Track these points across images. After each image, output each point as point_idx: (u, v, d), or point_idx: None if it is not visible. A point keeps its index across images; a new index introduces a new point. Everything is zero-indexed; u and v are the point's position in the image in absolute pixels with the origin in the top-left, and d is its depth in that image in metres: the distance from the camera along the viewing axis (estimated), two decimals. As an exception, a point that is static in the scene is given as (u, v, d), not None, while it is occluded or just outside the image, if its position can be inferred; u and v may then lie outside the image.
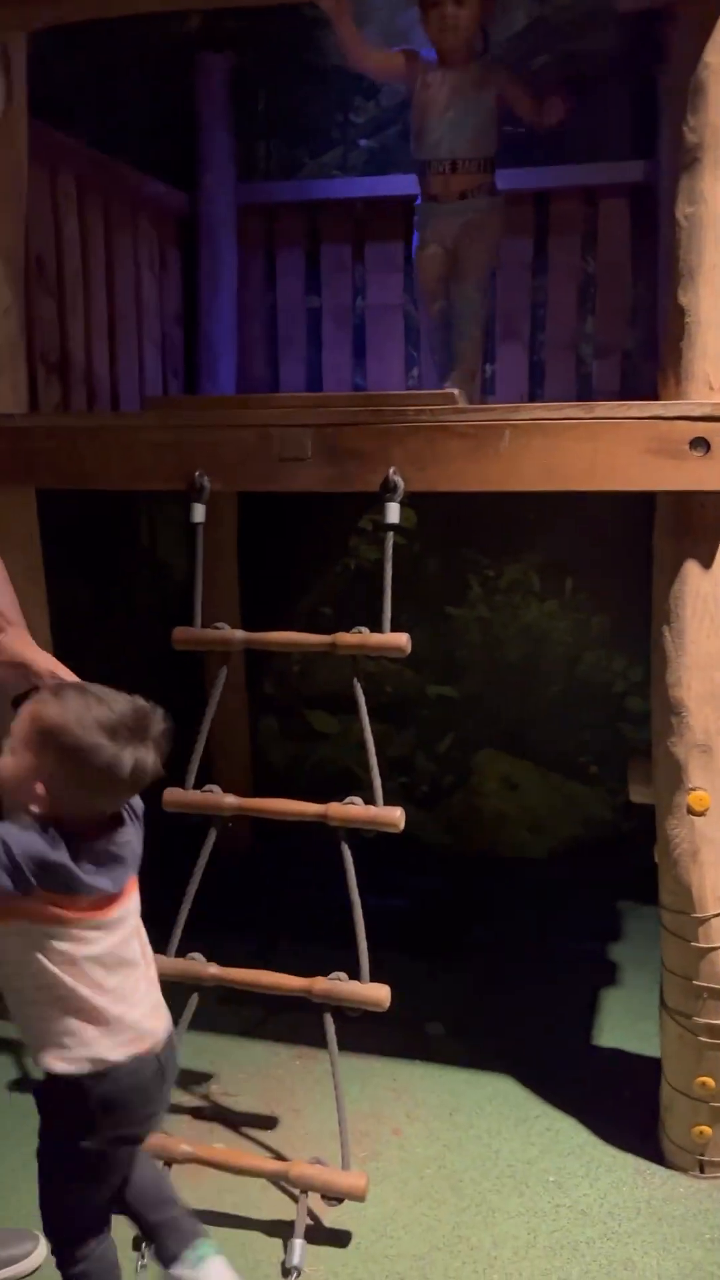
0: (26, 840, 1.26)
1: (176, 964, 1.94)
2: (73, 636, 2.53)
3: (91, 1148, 1.38)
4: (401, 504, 1.90)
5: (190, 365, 3.24)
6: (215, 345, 3.20)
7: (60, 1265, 1.48)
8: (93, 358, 2.68)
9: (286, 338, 3.24)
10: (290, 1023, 2.37)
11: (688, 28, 1.77)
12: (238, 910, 2.91)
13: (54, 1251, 1.49)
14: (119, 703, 1.31)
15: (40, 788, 1.28)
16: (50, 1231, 1.48)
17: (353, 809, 1.91)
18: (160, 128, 3.19)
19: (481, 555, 3.35)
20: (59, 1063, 1.34)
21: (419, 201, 2.66)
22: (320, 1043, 1.92)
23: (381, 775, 3.29)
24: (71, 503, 2.51)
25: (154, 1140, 1.87)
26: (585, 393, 3.07)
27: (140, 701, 1.33)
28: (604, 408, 1.78)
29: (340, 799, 1.93)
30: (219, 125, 3.14)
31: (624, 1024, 2.44)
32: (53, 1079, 1.36)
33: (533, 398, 3.09)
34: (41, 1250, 1.69)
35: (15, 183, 2.18)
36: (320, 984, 1.88)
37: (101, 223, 2.72)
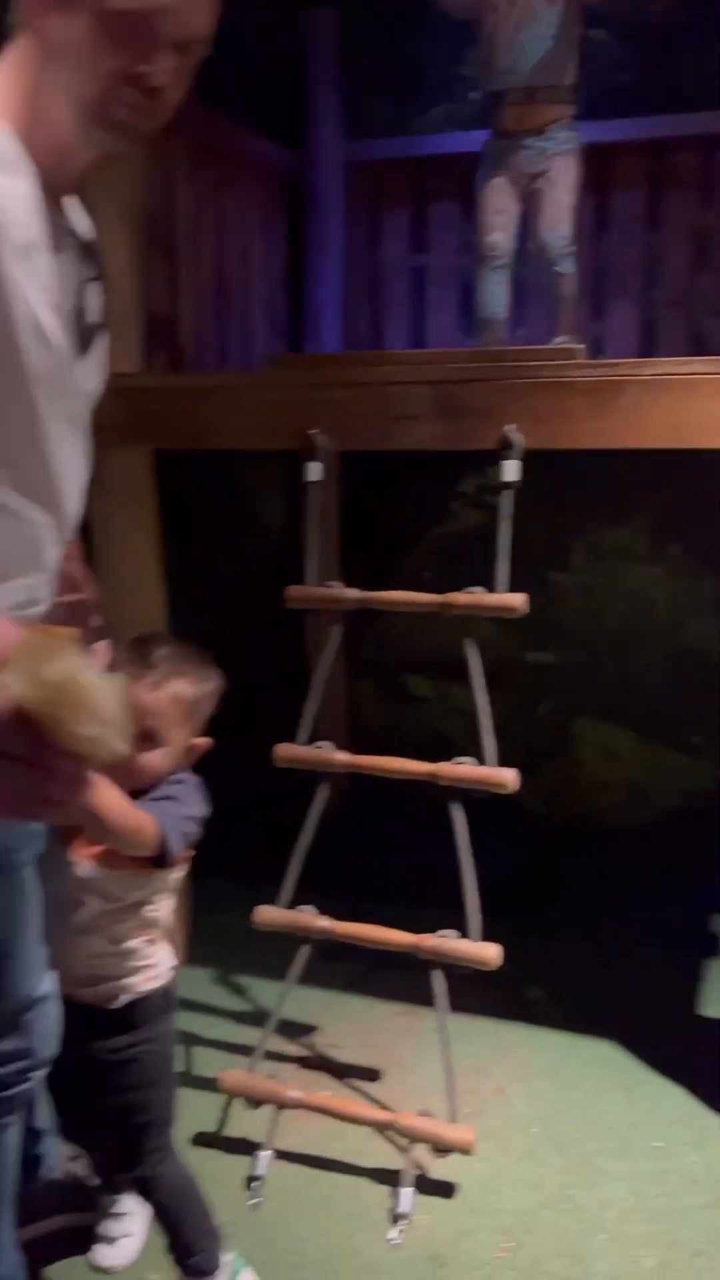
0: (199, 805, 1.38)
1: (287, 915, 1.97)
2: (175, 595, 2.57)
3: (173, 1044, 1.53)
4: (528, 464, 1.88)
5: (294, 327, 3.25)
6: (320, 307, 3.19)
7: (153, 1190, 1.52)
8: (201, 319, 2.70)
9: (391, 298, 3.21)
10: (391, 979, 2.40)
11: None
12: (330, 871, 2.93)
13: (151, 1176, 1.51)
14: (174, 641, 1.42)
15: (201, 740, 1.40)
16: (151, 1155, 1.51)
17: (464, 769, 1.91)
18: (268, 85, 3.17)
19: (585, 519, 3.29)
20: (151, 983, 1.45)
21: (486, 140, 2.53)
22: (421, 999, 1.94)
23: (479, 740, 3.27)
24: (173, 461, 2.53)
25: (264, 1085, 1.92)
26: (699, 352, 2.97)
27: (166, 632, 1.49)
28: (736, 362, 1.73)
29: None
30: (327, 81, 3.11)
31: (729, 995, 2.41)
32: (131, 1006, 1.43)
33: (645, 356, 3.01)
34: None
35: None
36: (429, 941, 1.89)
37: (212, 184, 2.73)
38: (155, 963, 1.46)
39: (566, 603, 3.36)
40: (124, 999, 1.43)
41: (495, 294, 2.60)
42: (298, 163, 3.14)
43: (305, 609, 2.19)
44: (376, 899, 2.79)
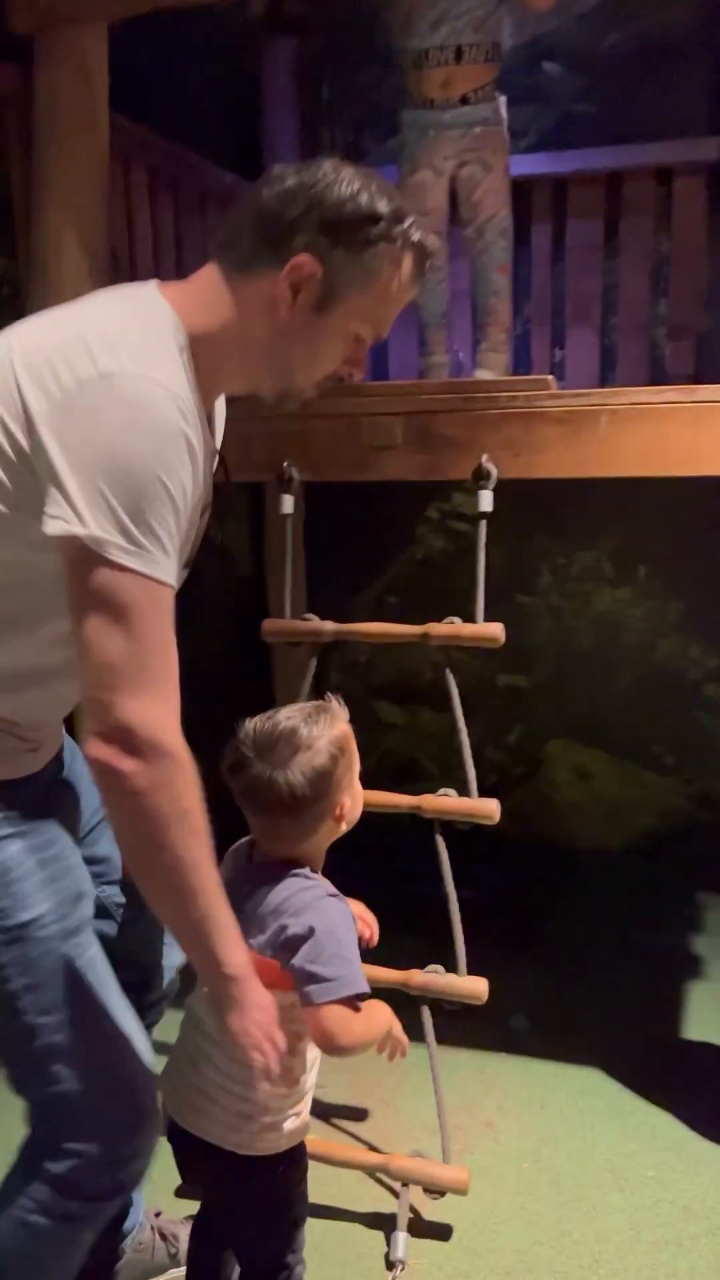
0: None
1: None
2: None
3: None
4: (495, 490, 1.88)
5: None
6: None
7: None
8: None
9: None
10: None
11: None
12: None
13: None
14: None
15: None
16: None
17: (448, 801, 1.90)
18: (226, 114, 3.18)
19: (552, 542, 3.31)
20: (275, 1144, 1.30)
21: (405, 111, 2.31)
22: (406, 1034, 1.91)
23: (451, 765, 3.24)
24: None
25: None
26: (658, 376, 3.01)
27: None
28: (706, 391, 1.74)
29: (410, 790, 1.93)
30: (285, 111, 3.12)
31: (712, 1018, 2.41)
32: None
33: (603, 382, 3.04)
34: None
35: (99, 177, 2.17)
36: (417, 977, 1.87)
37: (172, 213, 2.71)
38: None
39: (537, 626, 3.37)
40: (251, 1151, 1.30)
41: (434, 296, 2.47)
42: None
43: (284, 642, 2.17)
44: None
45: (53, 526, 1.03)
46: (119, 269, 2.45)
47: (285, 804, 1.23)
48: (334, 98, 3.25)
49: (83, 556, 1.02)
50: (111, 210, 2.37)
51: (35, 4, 1.99)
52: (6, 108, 2.24)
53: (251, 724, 1.28)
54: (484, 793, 3.69)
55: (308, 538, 3.38)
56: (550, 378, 1.92)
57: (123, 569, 1.02)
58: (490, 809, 1.87)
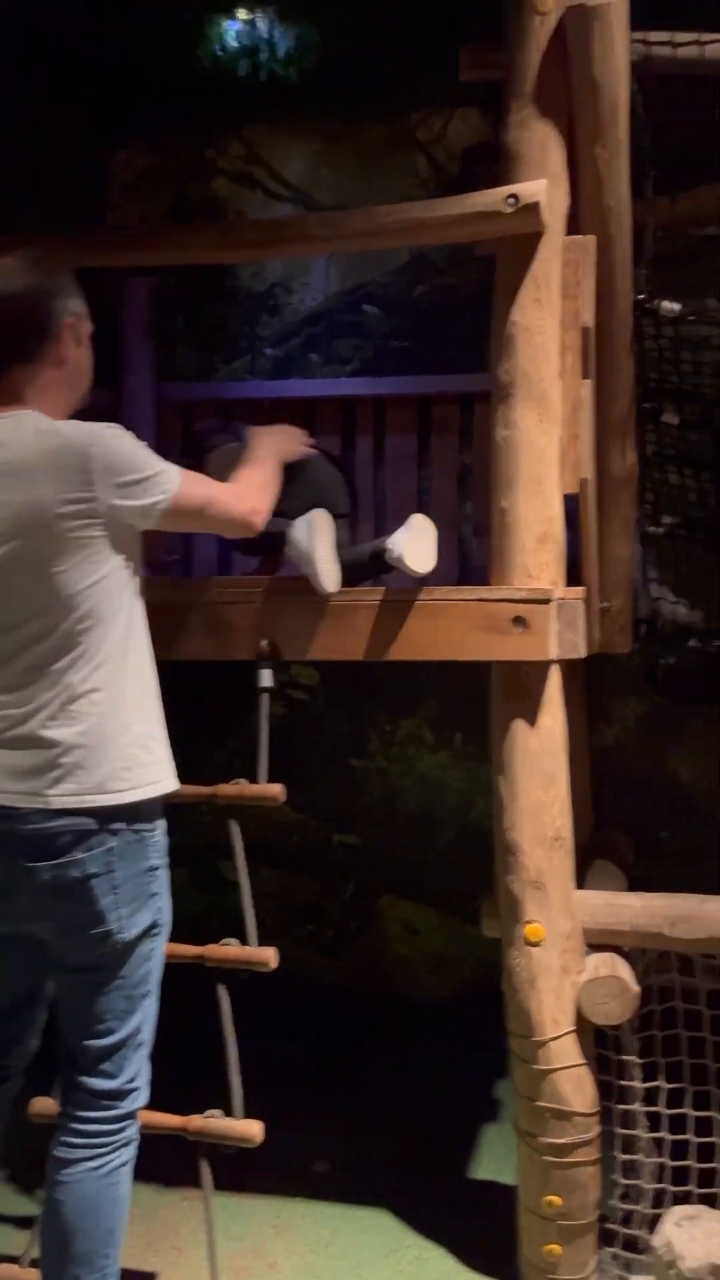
0: None
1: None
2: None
3: None
4: (273, 670, 2.19)
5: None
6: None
7: None
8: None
9: (200, 517, 3.59)
10: (179, 1165, 2.46)
11: (501, 290, 2.20)
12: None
13: None
14: None
15: None
16: None
17: (229, 949, 2.11)
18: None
19: (379, 710, 3.64)
20: None
21: None
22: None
23: (290, 922, 3.44)
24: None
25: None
26: (466, 565, 3.44)
27: None
28: (440, 592, 2.11)
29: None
30: (142, 337, 3.57)
31: (501, 1157, 2.57)
32: None
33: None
34: None
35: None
36: (195, 1121, 2.02)
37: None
38: None
39: (367, 787, 3.65)
40: None
41: None
42: (116, 403, 3.54)
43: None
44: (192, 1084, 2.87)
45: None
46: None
47: None
48: (187, 326, 3.74)
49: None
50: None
51: None
52: None
53: None
54: (322, 948, 3.86)
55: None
56: (322, 578, 2.27)
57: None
58: (266, 956, 2.08)
